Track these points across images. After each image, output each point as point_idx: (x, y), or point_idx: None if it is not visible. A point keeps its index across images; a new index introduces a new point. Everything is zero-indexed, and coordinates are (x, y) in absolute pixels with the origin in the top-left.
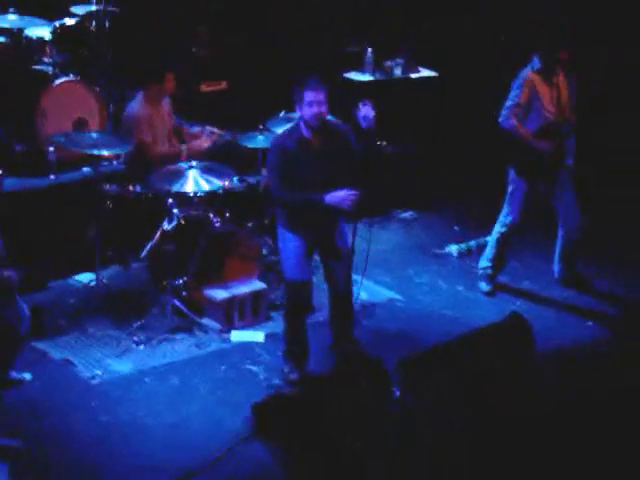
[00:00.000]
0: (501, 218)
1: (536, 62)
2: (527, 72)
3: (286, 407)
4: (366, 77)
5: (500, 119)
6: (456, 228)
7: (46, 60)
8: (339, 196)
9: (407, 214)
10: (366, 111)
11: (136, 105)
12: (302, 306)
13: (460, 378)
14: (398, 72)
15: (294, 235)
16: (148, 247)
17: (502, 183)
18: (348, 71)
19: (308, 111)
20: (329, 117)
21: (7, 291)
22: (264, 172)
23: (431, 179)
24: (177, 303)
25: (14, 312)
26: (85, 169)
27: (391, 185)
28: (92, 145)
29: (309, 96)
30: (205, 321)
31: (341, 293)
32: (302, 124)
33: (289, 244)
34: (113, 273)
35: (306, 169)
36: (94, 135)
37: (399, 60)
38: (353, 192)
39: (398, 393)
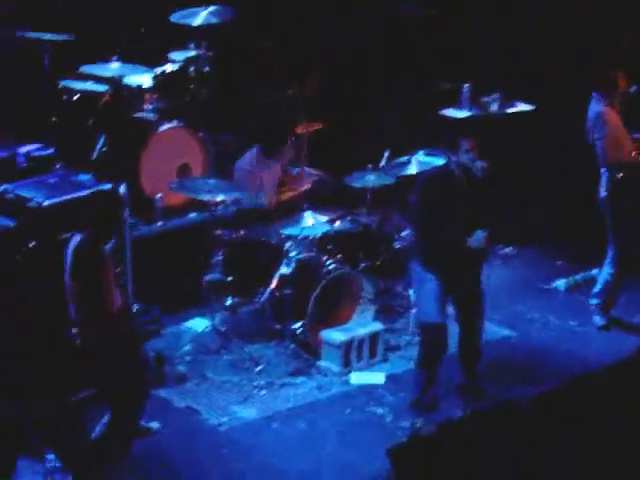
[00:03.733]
0: (610, 253)
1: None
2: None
3: (423, 451)
4: (463, 113)
5: None
6: (559, 263)
7: (147, 107)
8: (477, 237)
9: (507, 250)
10: (481, 164)
11: (248, 159)
12: (439, 350)
13: None
14: (495, 107)
15: (433, 275)
16: (267, 291)
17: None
18: (444, 108)
19: (465, 156)
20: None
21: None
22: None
23: (530, 214)
24: (296, 347)
25: (143, 358)
26: (192, 215)
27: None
28: (208, 190)
29: (469, 144)
30: (324, 364)
31: (475, 333)
32: (453, 166)
33: (427, 285)
34: (224, 318)
35: (454, 209)
36: (211, 181)
37: (495, 95)
38: (485, 232)
39: None
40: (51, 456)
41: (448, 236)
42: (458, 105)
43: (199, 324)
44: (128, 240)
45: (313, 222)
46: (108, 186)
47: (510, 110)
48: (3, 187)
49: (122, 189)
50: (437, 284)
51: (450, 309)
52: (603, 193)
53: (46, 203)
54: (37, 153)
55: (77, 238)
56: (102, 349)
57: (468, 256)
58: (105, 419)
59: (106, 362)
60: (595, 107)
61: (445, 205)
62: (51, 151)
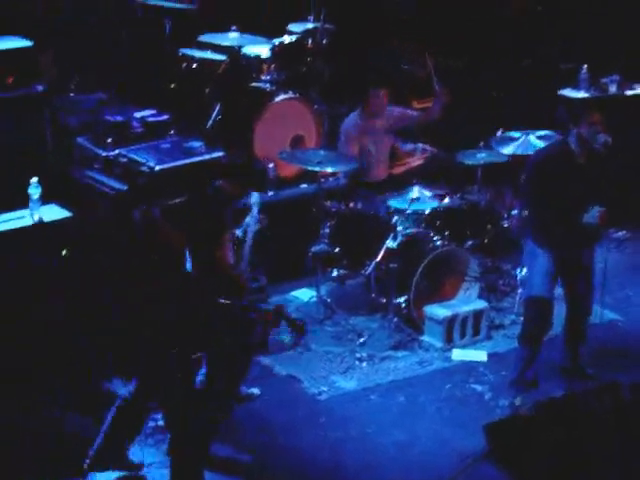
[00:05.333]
0: None
1: None
2: None
3: (521, 430)
4: (581, 94)
5: None
6: None
7: (264, 78)
8: (593, 214)
9: (620, 234)
10: (605, 137)
11: (351, 119)
12: (544, 325)
13: None
14: (613, 89)
15: (545, 251)
16: (373, 264)
17: None
18: (563, 88)
19: (587, 130)
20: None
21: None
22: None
23: None
24: (399, 321)
25: (251, 322)
26: (303, 186)
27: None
28: (318, 162)
29: (593, 116)
30: (426, 339)
31: (582, 314)
32: (573, 141)
33: (539, 259)
34: (330, 289)
35: (571, 186)
36: (321, 152)
37: (615, 77)
38: (603, 209)
39: None
40: (155, 416)
41: (564, 213)
42: (576, 86)
43: (305, 294)
44: (252, 231)
45: (422, 197)
46: (220, 153)
47: (629, 92)
48: (117, 151)
49: (255, 197)
50: (548, 260)
51: (559, 291)
52: None
53: (158, 168)
54: (152, 119)
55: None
56: (214, 306)
57: (582, 234)
58: (202, 374)
59: (216, 320)
60: None
61: (562, 182)
62: (166, 117)
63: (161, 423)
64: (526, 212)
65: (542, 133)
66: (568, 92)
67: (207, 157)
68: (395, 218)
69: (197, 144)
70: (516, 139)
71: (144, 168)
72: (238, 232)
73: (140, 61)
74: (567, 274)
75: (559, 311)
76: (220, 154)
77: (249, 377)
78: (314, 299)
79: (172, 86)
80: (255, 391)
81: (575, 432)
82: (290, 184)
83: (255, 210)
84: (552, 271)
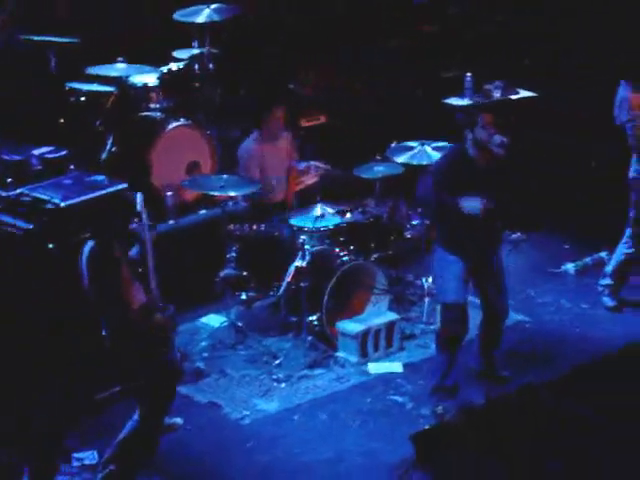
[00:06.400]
0: (628, 233)
1: None
2: None
3: (447, 437)
4: (465, 102)
5: None
6: (566, 246)
7: (153, 106)
8: (472, 200)
9: (515, 235)
10: (500, 138)
11: (248, 143)
12: (461, 330)
13: None
14: (497, 94)
15: (455, 256)
16: (284, 284)
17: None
18: (447, 97)
19: (483, 132)
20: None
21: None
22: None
23: (536, 200)
24: (313, 339)
25: (174, 355)
26: (203, 211)
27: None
28: (221, 187)
29: (487, 118)
30: (342, 354)
31: (495, 319)
32: (470, 145)
33: (449, 266)
34: (239, 313)
35: (472, 191)
36: (224, 177)
37: (498, 83)
38: (485, 200)
39: None
40: (78, 455)
41: (467, 218)
42: (461, 93)
43: (215, 320)
44: (149, 240)
45: (325, 214)
46: (123, 185)
47: (513, 97)
48: (19, 190)
49: (139, 197)
50: (459, 265)
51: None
52: (633, 174)
53: (63, 204)
54: (50, 155)
55: (90, 243)
56: (128, 347)
57: (486, 238)
58: (135, 417)
59: (133, 359)
60: (622, 92)
61: (462, 187)
62: (64, 153)
63: (87, 462)
64: (429, 222)
65: (439, 144)
66: (453, 100)
67: (111, 190)
68: (302, 237)
69: (100, 177)
70: (412, 149)
71: (49, 205)
72: (132, 253)
73: (26, 97)
74: (477, 280)
75: (473, 316)
76: (124, 186)
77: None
78: (225, 324)
79: (61, 121)
80: (178, 421)
81: (500, 435)
82: (189, 211)
83: (144, 215)
84: (464, 276)
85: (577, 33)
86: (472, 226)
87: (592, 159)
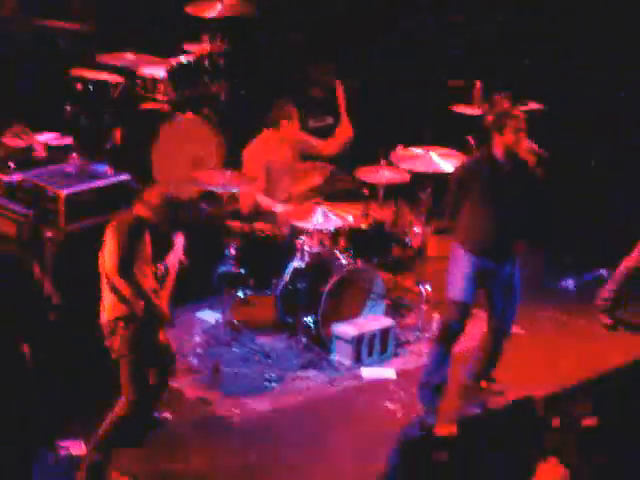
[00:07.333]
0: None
1: None
2: None
3: (434, 447)
4: (475, 110)
5: None
6: (567, 262)
7: (160, 99)
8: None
9: None
10: (529, 143)
11: (255, 143)
12: (457, 329)
13: None
14: (507, 104)
15: (470, 256)
16: (281, 284)
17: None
18: (456, 105)
19: (513, 138)
20: None
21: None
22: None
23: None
24: (307, 340)
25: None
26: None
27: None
28: (224, 184)
29: (516, 122)
30: (335, 358)
31: (503, 331)
32: (498, 150)
33: (462, 264)
34: (234, 310)
35: (491, 190)
36: (228, 172)
37: (507, 93)
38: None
39: None
40: (64, 444)
41: (489, 221)
42: (470, 102)
43: (210, 315)
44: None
45: (326, 216)
46: (125, 176)
47: (521, 108)
48: (21, 176)
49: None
50: (471, 265)
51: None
52: None
53: (64, 192)
54: (54, 142)
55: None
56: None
57: (505, 244)
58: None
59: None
60: None
61: (483, 187)
62: (68, 140)
63: (73, 452)
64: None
65: (444, 151)
66: (463, 109)
67: (114, 180)
68: (301, 238)
69: (102, 167)
70: (417, 155)
71: (50, 193)
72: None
73: (35, 83)
74: (488, 289)
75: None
76: (126, 177)
77: (160, 401)
78: (220, 320)
79: (68, 108)
80: (167, 415)
81: (488, 448)
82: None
83: (180, 249)
84: (474, 278)
85: (577, 33)
86: (495, 232)
87: (592, 159)
